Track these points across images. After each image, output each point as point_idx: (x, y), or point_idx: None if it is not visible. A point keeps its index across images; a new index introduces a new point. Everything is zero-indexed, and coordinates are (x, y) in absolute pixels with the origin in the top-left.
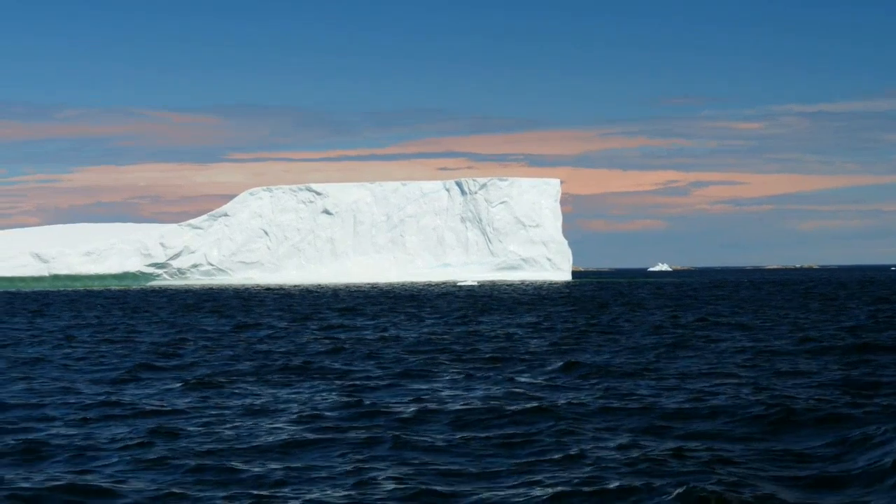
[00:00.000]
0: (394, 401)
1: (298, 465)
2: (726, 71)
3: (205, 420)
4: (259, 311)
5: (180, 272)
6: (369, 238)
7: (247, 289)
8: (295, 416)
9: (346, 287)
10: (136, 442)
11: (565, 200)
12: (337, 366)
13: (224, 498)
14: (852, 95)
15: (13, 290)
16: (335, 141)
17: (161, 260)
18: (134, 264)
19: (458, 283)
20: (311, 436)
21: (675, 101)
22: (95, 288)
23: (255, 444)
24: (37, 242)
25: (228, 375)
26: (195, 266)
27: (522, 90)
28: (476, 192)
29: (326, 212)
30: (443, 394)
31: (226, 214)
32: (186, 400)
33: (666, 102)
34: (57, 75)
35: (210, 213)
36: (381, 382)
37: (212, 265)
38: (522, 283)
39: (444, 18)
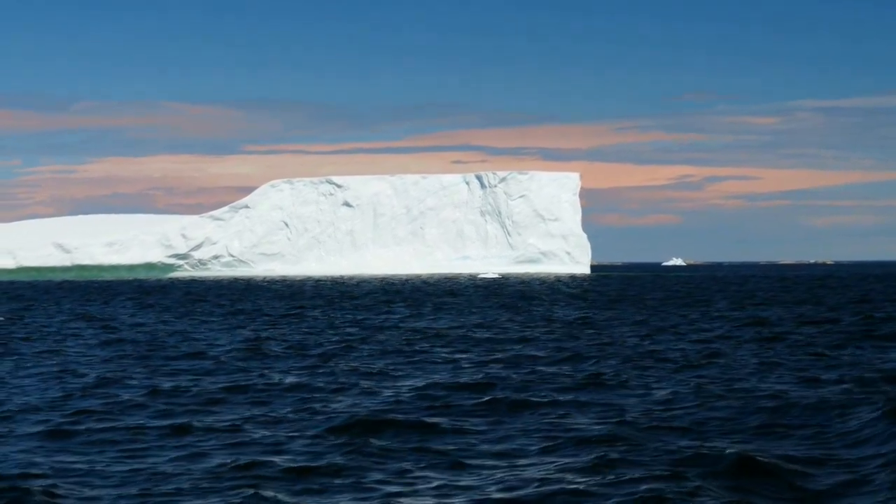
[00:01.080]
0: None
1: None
2: (742, 66)
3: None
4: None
5: (201, 263)
6: (389, 230)
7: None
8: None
9: (379, 278)
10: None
11: (580, 194)
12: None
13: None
14: (868, 91)
15: (42, 280)
16: (350, 134)
17: (182, 251)
18: (155, 255)
19: (480, 276)
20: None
21: (690, 97)
22: (126, 278)
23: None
24: (58, 232)
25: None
26: (216, 257)
27: (537, 84)
28: (496, 186)
29: (347, 204)
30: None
31: (247, 206)
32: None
33: (681, 98)
34: (73, 67)
35: (231, 204)
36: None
37: (233, 256)
38: (548, 275)
39: (460, 13)
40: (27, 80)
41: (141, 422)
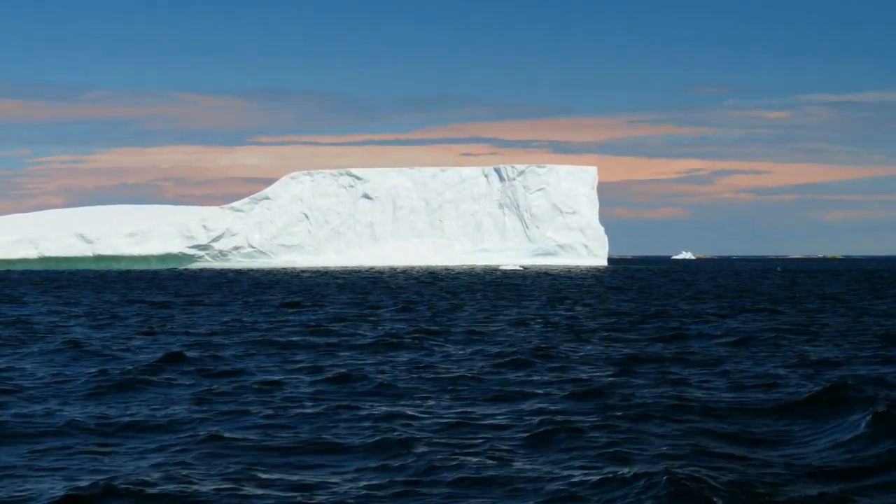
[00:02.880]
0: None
1: None
2: (753, 60)
3: None
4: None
5: (222, 254)
6: (408, 223)
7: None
8: None
9: (406, 270)
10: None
11: None
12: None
13: None
14: (879, 86)
15: (63, 269)
16: (360, 125)
17: (203, 242)
18: (176, 246)
19: (501, 268)
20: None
21: (701, 91)
22: (158, 268)
23: None
24: (76, 223)
25: None
26: (237, 248)
27: (548, 77)
28: (514, 179)
29: (366, 196)
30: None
31: (267, 198)
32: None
33: (692, 91)
34: (82, 57)
35: (251, 196)
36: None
37: (253, 248)
38: (568, 268)
39: (470, 5)
40: (36, 70)
41: None
